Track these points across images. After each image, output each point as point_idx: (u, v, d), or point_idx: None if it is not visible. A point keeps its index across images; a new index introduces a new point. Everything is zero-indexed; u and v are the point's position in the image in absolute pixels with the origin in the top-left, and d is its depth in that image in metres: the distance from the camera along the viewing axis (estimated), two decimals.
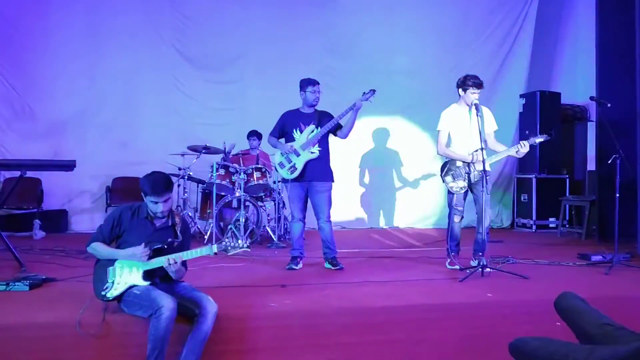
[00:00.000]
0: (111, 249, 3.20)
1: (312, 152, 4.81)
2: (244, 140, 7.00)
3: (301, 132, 4.88)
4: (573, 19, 8.79)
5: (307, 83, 4.93)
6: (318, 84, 4.93)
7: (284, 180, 5.06)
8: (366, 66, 8.05)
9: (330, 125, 4.79)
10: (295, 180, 4.86)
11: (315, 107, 4.97)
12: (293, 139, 4.90)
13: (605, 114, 5.44)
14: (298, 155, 4.83)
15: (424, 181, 8.24)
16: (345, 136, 4.97)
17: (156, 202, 3.15)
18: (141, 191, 3.19)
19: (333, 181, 4.95)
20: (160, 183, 3.15)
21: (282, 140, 4.99)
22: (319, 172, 4.85)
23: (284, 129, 4.98)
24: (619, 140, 4.92)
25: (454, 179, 4.78)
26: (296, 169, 4.83)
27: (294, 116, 4.96)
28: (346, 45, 8.15)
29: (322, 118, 4.91)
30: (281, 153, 4.92)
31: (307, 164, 4.82)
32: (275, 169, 5.00)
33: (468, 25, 8.49)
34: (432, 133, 7.37)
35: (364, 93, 4.79)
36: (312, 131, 4.85)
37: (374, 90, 4.80)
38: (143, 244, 3.12)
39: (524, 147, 4.68)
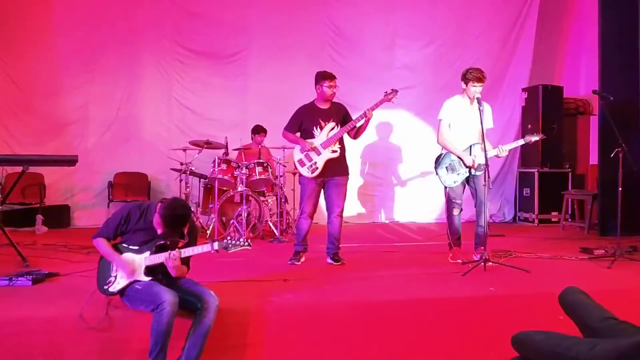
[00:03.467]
0: (110, 251, 3.19)
1: (333, 152, 4.68)
2: (246, 134, 6.99)
3: (321, 129, 4.74)
4: (576, 13, 8.75)
5: (323, 77, 4.75)
6: (335, 78, 4.76)
7: (301, 176, 4.86)
8: (369, 60, 8.02)
9: (349, 127, 4.69)
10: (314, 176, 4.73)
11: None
12: (312, 136, 4.75)
13: (607, 108, 5.42)
14: (319, 154, 4.68)
15: (425, 175, 8.22)
16: (356, 139, 4.92)
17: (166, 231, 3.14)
18: (158, 212, 3.11)
19: (349, 174, 4.90)
20: (180, 221, 3.10)
21: (298, 134, 4.85)
22: (337, 167, 4.76)
23: (302, 126, 4.80)
24: (621, 133, 4.91)
25: (447, 171, 4.79)
26: (317, 167, 4.66)
27: (312, 112, 4.79)
28: (349, 40, 8.12)
29: (339, 114, 4.80)
30: (300, 150, 4.76)
31: (327, 161, 4.70)
32: (295, 166, 4.84)
33: (471, 19, 8.45)
34: (434, 128, 7.34)
35: (386, 93, 4.66)
36: (332, 129, 4.71)
37: (397, 91, 4.65)
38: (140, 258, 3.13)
39: (502, 152, 4.78)
